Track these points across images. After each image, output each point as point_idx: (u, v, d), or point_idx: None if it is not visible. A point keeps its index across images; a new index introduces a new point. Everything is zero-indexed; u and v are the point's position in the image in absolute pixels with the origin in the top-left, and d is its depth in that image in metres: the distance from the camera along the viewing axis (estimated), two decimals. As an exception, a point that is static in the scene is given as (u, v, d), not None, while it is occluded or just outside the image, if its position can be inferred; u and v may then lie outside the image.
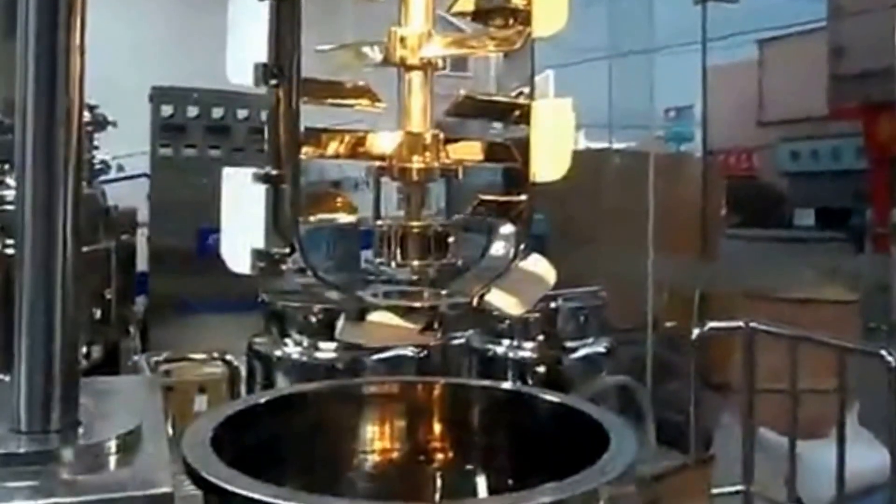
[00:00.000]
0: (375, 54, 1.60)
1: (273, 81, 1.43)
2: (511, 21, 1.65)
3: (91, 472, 1.23)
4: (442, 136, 1.58)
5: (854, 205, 10.72)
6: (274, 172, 1.43)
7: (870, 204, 9.40)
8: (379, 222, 1.55)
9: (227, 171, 1.45)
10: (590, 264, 5.02)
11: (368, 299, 1.48)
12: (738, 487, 3.93)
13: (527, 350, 3.65)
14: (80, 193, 1.35)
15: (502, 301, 1.56)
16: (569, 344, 3.96)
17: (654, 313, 5.24)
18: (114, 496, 1.17)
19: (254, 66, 1.42)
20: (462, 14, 1.65)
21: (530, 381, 3.77)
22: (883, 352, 3.45)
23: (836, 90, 9.30)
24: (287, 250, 1.44)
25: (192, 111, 7.91)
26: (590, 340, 4.01)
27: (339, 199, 1.54)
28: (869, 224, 9.48)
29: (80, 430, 1.33)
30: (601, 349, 4.04)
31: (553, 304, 4.04)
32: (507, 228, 1.64)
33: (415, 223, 1.54)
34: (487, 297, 1.55)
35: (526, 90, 1.66)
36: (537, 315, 3.63)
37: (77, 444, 1.28)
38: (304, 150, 1.49)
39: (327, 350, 3.17)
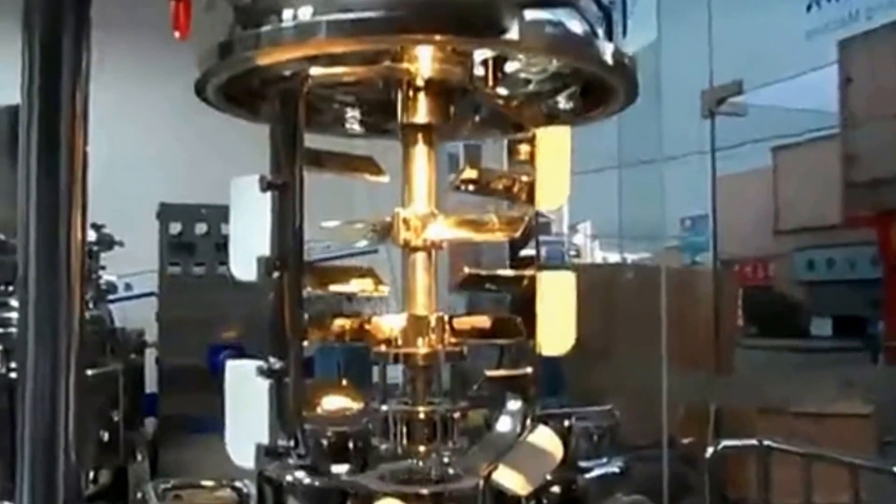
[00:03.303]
0: (379, 234, 1.62)
1: (276, 274, 1.45)
2: (515, 188, 1.69)
3: None
4: (447, 317, 1.58)
5: (870, 313, 10.66)
6: (277, 366, 1.43)
7: (884, 313, 9.34)
8: (384, 408, 1.54)
9: (230, 365, 1.46)
10: (604, 380, 5.00)
11: (373, 487, 1.46)
12: None
13: (541, 471, 3.61)
14: (84, 311, 1.34)
15: (510, 479, 1.53)
16: (583, 464, 3.92)
17: (670, 430, 5.18)
18: None
19: (256, 260, 1.44)
20: (466, 183, 1.69)
21: (545, 502, 3.72)
22: (895, 468, 3.44)
23: (849, 198, 9.28)
24: (292, 444, 1.44)
25: (201, 228, 7.93)
26: (604, 460, 3.97)
27: (343, 386, 1.55)
28: (883, 335, 9.43)
29: None
30: (616, 469, 3.99)
31: (566, 424, 4.00)
32: (514, 404, 1.64)
33: (421, 408, 1.53)
34: (495, 476, 1.52)
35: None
36: (551, 432, 3.62)
37: None
38: (309, 333, 1.49)
39: (339, 474, 3.15)
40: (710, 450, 3.92)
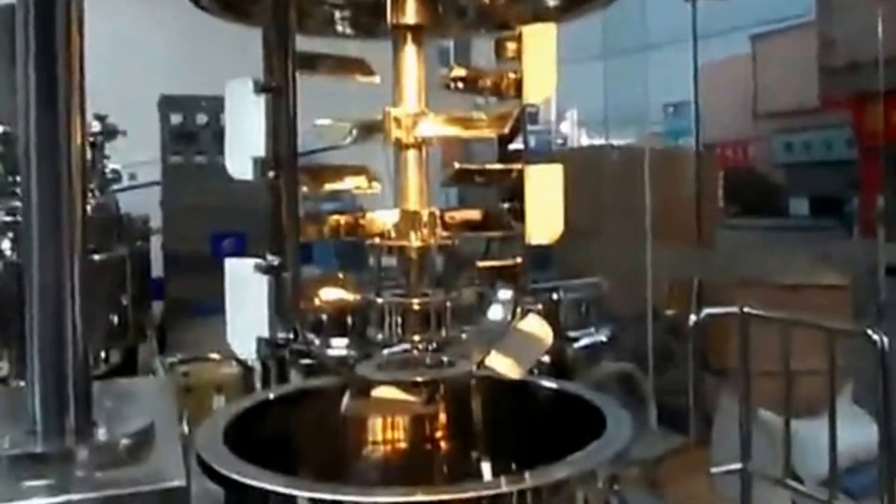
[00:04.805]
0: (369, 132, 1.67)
1: (271, 174, 1.50)
2: (503, 84, 1.73)
3: (105, 469, 1.25)
4: (438, 212, 1.63)
5: (845, 193, 10.88)
6: (275, 263, 1.49)
7: (859, 191, 9.54)
8: (380, 300, 1.60)
9: (230, 262, 1.52)
10: (592, 256, 5.11)
11: (371, 377, 1.53)
12: (737, 466, 4.01)
13: (530, 340, 3.73)
14: (86, 199, 1.38)
15: (502, 364, 1.61)
16: (571, 334, 4.07)
17: (654, 302, 5.34)
18: (128, 491, 1.19)
19: (252, 160, 1.49)
20: (456, 80, 1.73)
21: (535, 371, 3.89)
22: (869, 331, 3.53)
23: (826, 82, 9.37)
24: (291, 336, 1.51)
25: (201, 119, 8.03)
26: (591, 330, 4.12)
27: (340, 279, 1.61)
28: (857, 211, 9.64)
29: (95, 430, 1.35)
30: (603, 338, 4.14)
31: (555, 296, 4.14)
32: (505, 293, 1.71)
33: (414, 300, 1.59)
34: (487, 361, 1.60)
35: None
36: (539, 307, 3.74)
37: (91, 443, 1.30)
38: (305, 231, 1.56)
39: (338, 346, 3.28)
40: (693, 318, 4.04)
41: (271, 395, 1.83)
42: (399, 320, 1.60)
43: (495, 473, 1.67)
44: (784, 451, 3.89)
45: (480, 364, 1.61)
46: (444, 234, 1.65)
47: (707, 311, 4.15)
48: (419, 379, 1.53)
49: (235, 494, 1.38)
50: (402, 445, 1.64)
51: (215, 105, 7.57)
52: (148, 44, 9.15)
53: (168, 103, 8.19)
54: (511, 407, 1.75)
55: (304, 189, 1.55)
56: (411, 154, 1.63)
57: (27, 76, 1.35)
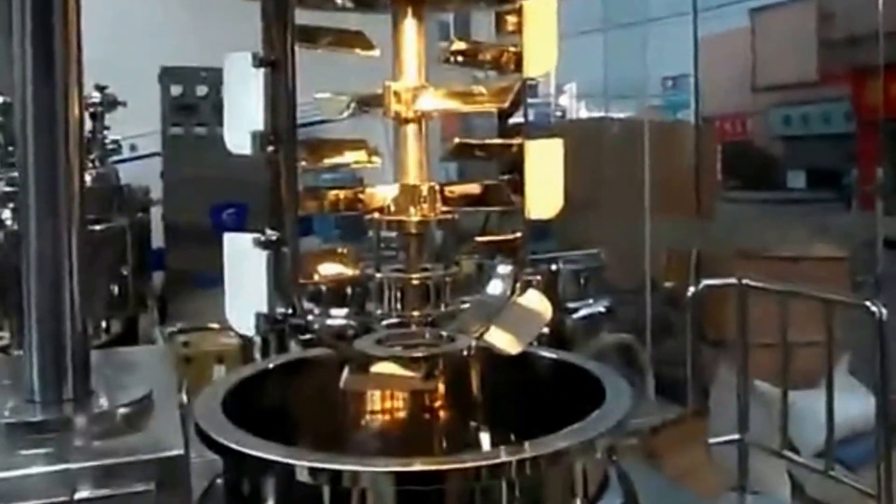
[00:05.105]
0: (367, 106, 1.66)
1: (270, 148, 1.49)
2: (503, 58, 1.72)
3: (104, 437, 1.26)
4: (438, 186, 1.63)
5: (843, 166, 10.93)
6: (273, 238, 1.48)
7: (857, 164, 9.58)
8: (378, 275, 1.59)
9: (228, 237, 1.51)
10: (591, 228, 5.12)
11: (370, 352, 1.53)
12: (734, 437, 4.04)
13: (529, 311, 3.74)
14: (84, 170, 1.37)
15: (501, 340, 1.60)
16: (570, 304, 4.09)
17: (653, 273, 5.37)
18: (126, 460, 1.19)
19: (251, 135, 1.47)
20: (455, 54, 1.71)
21: (534, 342, 3.90)
22: (867, 303, 3.55)
23: (824, 56, 9.43)
24: (290, 311, 1.50)
25: (202, 90, 8.06)
26: (590, 301, 4.14)
27: (339, 253, 1.60)
28: (856, 183, 9.68)
29: (94, 399, 1.35)
30: (601, 309, 4.17)
31: (554, 267, 4.15)
32: (504, 268, 1.70)
33: (414, 275, 1.59)
34: (486, 336, 1.59)
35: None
36: (538, 277, 3.75)
37: (90, 412, 1.31)
38: (304, 205, 1.55)
39: (338, 317, 3.28)
40: (691, 289, 4.06)
41: (271, 365, 1.84)
42: (398, 295, 1.60)
43: (494, 444, 1.69)
44: (781, 422, 3.93)
45: (479, 338, 1.60)
46: (444, 208, 1.65)
47: (705, 282, 4.18)
48: (418, 354, 1.53)
49: (234, 463, 1.39)
50: (401, 418, 1.64)
51: (215, 76, 7.55)
52: (148, 15, 9.14)
53: (168, 74, 8.21)
54: (510, 378, 1.74)
55: (304, 163, 1.54)
56: (411, 128, 1.62)
57: (24, 48, 1.34)
